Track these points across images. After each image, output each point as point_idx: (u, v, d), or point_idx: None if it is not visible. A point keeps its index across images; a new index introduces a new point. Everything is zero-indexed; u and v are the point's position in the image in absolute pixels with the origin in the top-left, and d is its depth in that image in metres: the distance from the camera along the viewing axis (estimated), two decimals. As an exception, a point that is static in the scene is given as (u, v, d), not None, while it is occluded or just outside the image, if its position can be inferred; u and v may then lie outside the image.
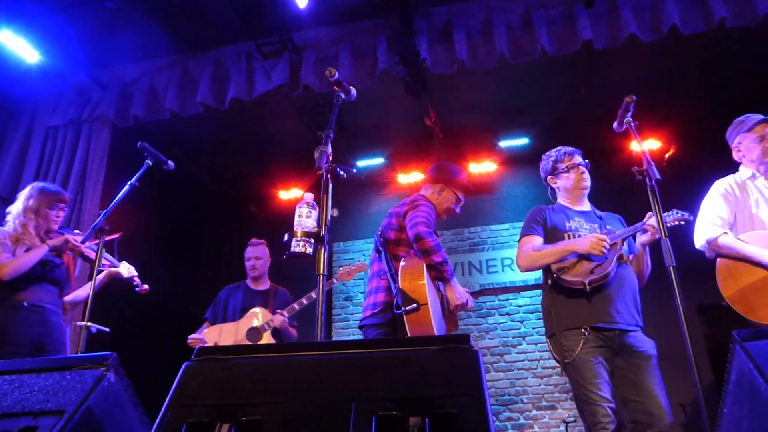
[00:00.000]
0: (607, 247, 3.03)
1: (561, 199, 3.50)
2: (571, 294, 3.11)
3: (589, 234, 3.19)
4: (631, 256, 3.27)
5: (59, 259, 3.60)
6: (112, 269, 3.69)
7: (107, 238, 3.31)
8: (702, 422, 2.03)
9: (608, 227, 3.27)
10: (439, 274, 3.31)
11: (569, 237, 3.23)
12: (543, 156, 3.56)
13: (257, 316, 4.55)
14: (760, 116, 3.25)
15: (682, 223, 3.09)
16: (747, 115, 3.33)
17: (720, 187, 3.29)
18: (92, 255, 3.59)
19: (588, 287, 3.02)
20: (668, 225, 3.03)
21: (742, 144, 3.30)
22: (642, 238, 3.18)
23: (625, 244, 3.23)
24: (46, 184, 3.74)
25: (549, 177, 3.52)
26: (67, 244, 3.50)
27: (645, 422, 2.85)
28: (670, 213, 3.08)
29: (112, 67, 5.55)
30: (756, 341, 1.33)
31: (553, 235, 3.29)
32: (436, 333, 3.06)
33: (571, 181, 3.41)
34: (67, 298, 3.69)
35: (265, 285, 4.85)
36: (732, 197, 3.23)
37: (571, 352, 3.01)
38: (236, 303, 4.69)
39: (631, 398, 2.93)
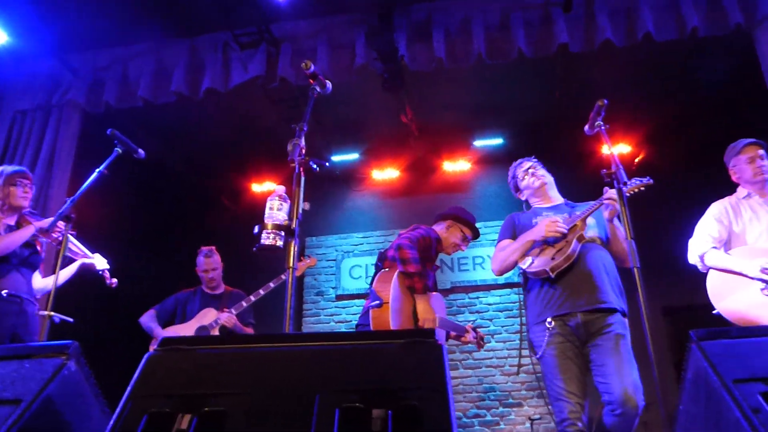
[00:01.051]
0: (561, 227, 3.07)
1: (534, 204, 3.58)
2: (539, 287, 3.17)
3: (544, 220, 3.24)
4: (608, 239, 3.25)
5: (27, 248, 3.51)
6: (86, 260, 3.63)
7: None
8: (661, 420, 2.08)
9: (577, 212, 3.24)
10: (411, 284, 3.47)
11: None
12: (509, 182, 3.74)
13: (207, 314, 4.66)
14: (749, 140, 3.42)
15: (642, 189, 3.05)
16: (739, 140, 3.47)
17: (714, 208, 3.46)
18: (72, 246, 3.54)
19: (552, 273, 3.06)
20: (631, 193, 3.01)
21: (736, 167, 3.48)
22: (605, 214, 3.19)
23: (597, 227, 3.23)
24: (4, 166, 3.63)
25: (518, 193, 3.69)
26: (53, 228, 3.38)
27: (611, 403, 2.80)
28: (630, 182, 2.98)
29: (84, 53, 5.43)
30: (711, 341, 1.36)
31: (521, 234, 3.35)
32: None
33: (529, 183, 3.53)
34: (37, 285, 3.61)
35: (220, 289, 4.95)
36: (726, 218, 3.39)
37: (539, 348, 3.06)
38: (193, 308, 4.77)
39: (599, 381, 2.90)
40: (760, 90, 4.53)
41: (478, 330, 3.94)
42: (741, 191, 3.47)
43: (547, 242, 3.17)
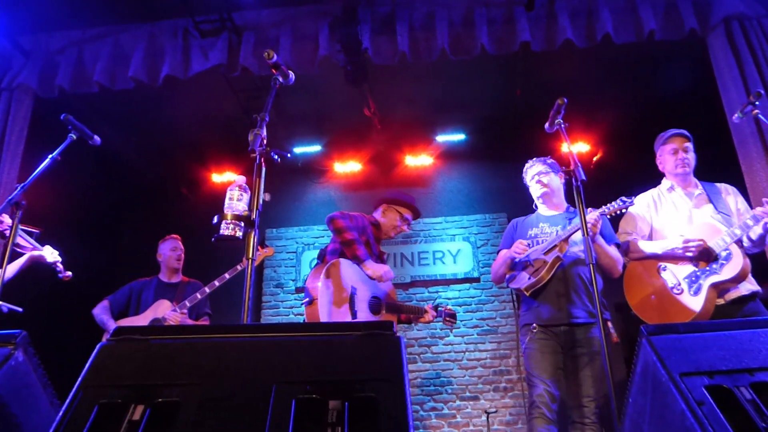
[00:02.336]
0: (521, 247, 3.34)
1: (539, 208, 3.73)
2: (524, 297, 3.41)
3: (536, 240, 3.43)
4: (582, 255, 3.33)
5: None
6: (35, 253, 3.52)
7: (28, 229, 3.16)
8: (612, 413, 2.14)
9: (568, 228, 3.35)
10: (352, 252, 3.55)
11: (528, 245, 3.46)
12: None
13: (161, 306, 4.61)
14: (678, 130, 3.47)
15: (624, 211, 3.23)
16: (669, 129, 3.54)
17: (638, 205, 3.54)
18: (20, 239, 3.42)
19: (527, 293, 3.30)
20: (615, 213, 3.21)
21: (661, 156, 3.55)
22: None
23: (581, 243, 3.22)
24: None
25: (529, 185, 3.79)
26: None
27: (573, 409, 3.09)
28: (614, 203, 3.21)
29: (37, 35, 5.24)
30: (661, 335, 1.41)
31: None
32: None
33: (533, 191, 3.71)
34: None
35: (177, 278, 4.90)
36: (647, 211, 3.49)
37: (522, 345, 3.35)
38: (148, 296, 4.71)
39: (571, 390, 3.14)
40: (714, 93, 4.67)
41: (446, 306, 4.05)
42: (665, 183, 3.55)
43: (528, 260, 3.37)
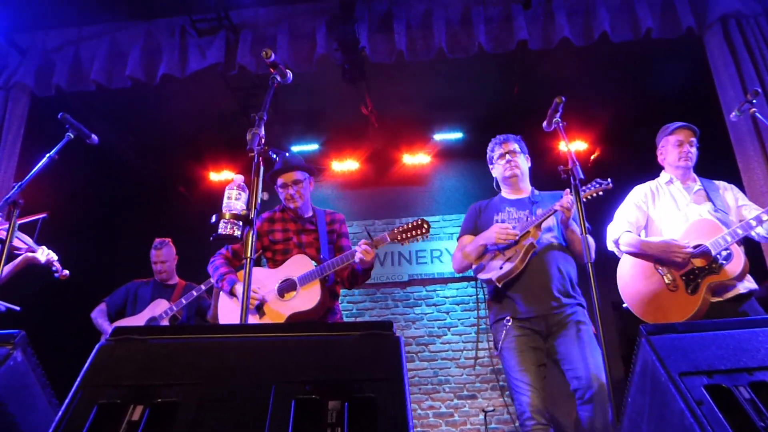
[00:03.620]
0: (512, 234, 3.08)
1: (501, 190, 3.56)
2: (494, 289, 3.22)
3: (496, 225, 3.22)
4: (562, 241, 3.23)
5: None
6: (29, 254, 3.50)
7: (33, 218, 3.15)
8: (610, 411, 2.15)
9: (537, 212, 3.23)
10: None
11: None
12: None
13: (158, 305, 4.60)
14: (684, 123, 3.44)
15: (600, 193, 3.12)
16: (675, 122, 3.51)
17: (635, 194, 3.49)
18: (16, 241, 3.41)
19: (498, 283, 3.10)
20: (590, 196, 3.09)
21: (664, 147, 3.50)
22: (560, 219, 3.17)
23: (555, 229, 3.22)
24: None
25: (489, 166, 3.60)
26: None
27: (579, 389, 2.85)
28: (590, 185, 3.09)
29: (33, 33, 5.23)
30: (660, 335, 1.41)
31: (481, 230, 3.34)
32: None
33: (500, 170, 3.49)
34: None
35: (173, 281, 4.89)
36: (645, 204, 3.42)
37: (498, 342, 3.11)
38: (145, 296, 4.72)
39: (566, 368, 2.95)
40: (711, 91, 4.68)
41: (370, 238, 3.26)
42: (664, 176, 3.50)
43: (498, 248, 3.19)
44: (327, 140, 7.39)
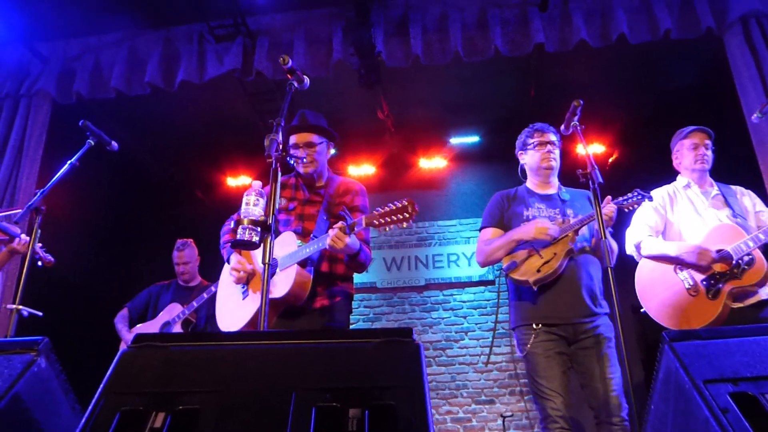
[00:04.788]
0: (553, 232, 2.97)
1: (528, 181, 3.43)
2: (523, 291, 3.12)
3: (535, 220, 3.09)
4: (593, 241, 3.14)
5: None
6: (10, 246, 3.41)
7: (7, 211, 3.15)
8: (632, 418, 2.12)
9: (568, 212, 3.15)
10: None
11: None
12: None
13: (172, 310, 4.61)
14: (698, 126, 3.40)
15: (636, 206, 3.03)
16: (689, 126, 3.47)
17: (654, 197, 3.41)
18: None
19: (535, 286, 3.00)
20: (629, 208, 2.99)
21: (679, 151, 3.46)
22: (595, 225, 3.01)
23: (588, 234, 3.13)
24: None
25: (518, 152, 3.46)
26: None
27: (598, 408, 2.84)
28: (631, 195, 2.97)
29: (55, 41, 5.31)
30: (683, 341, 1.39)
31: (509, 227, 3.22)
32: (221, 326, 3.03)
33: (536, 159, 3.31)
34: None
35: (195, 282, 4.91)
36: (663, 208, 3.37)
37: (524, 347, 3.04)
38: (165, 300, 4.74)
39: (585, 383, 2.93)
40: (731, 92, 4.62)
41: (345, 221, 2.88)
42: (681, 180, 3.46)
43: (533, 246, 3.06)
44: (343, 145, 7.41)
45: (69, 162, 3.13)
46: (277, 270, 2.82)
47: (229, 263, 3.08)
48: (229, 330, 2.96)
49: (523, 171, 3.48)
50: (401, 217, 2.56)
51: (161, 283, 4.90)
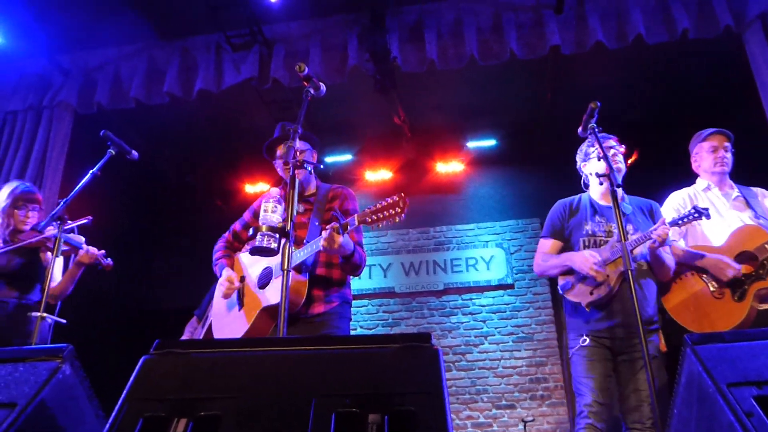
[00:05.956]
0: (597, 268, 2.94)
1: (591, 190, 3.36)
2: (577, 307, 3.12)
3: (587, 252, 3.05)
4: (644, 263, 3.11)
5: (19, 256, 3.45)
6: (80, 258, 3.45)
7: (75, 223, 3.21)
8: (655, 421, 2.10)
9: (628, 228, 3.05)
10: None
11: (584, 243, 3.15)
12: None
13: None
14: (717, 129, 3.37)
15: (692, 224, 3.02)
16: (707, 128, 3.43)
17: (673, 200, 3.40)
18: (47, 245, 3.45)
19: (587, 308, 3.03)
20: (688, 226, 2.99)
21: (698, 154, 3.43)
22: (647, 245, 2.97)
23: (644, 247, 3.03)
24: (17, 185, 3.61)
25: (582, 164, 3.38)
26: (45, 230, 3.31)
27: (626, 414, 2.90)
28: (688, 213, 2.93)
29: (76, 53, 5.41)
30: (706, 345, 1.37)
31: (569, 240, 3.23)
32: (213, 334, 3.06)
33: (600, 167, 3.12)
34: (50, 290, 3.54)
35: None
36: (685, 209, 3.31)
37: (570, 350, 3.09)
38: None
39: (620, 391, 2.97)
40: (750, 91, 4.56)
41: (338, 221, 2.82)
42: (701, 182, 3.41)
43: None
44: (360, 150, 7.44)
45: (91, 172, 3.18)
46: (272, 277, 2.84)
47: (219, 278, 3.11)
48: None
49: (588, 180, 3.38)
50: (393, 212, 2.53)
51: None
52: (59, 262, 3.53)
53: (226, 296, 3.01)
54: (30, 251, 3.46)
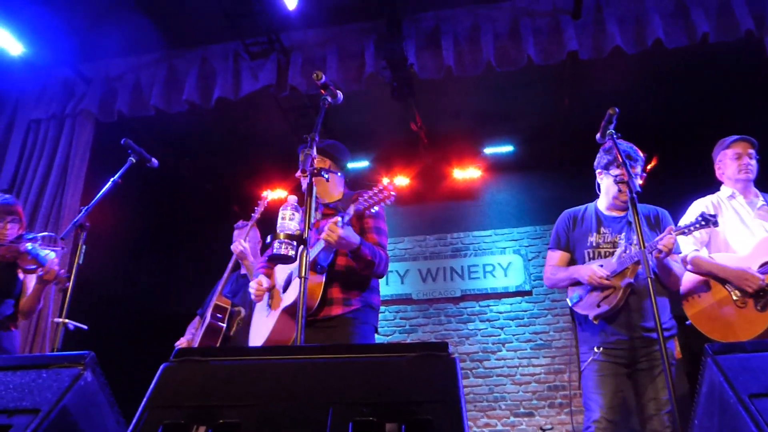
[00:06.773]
0: (603, 282, 2.94)
1: (598, 200, 3.33)
2: (585, 320, 3.11)
3: (593, 264, 3.06)
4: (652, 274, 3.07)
5: None
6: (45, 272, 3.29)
7: (39, 234, 3.20)
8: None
9: (633, 238, 2.98)
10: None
11: (589, 255, 3.14)
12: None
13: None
14: (741, 136, 3.31)
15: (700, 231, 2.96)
16: (732, 135, 3.37)
17: (696, 207, 3.33)
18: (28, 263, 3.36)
19: (595, 321, 3.01)
20: (694, 231, 2.91)
21: (722, 161, 3.37)
22: (653, 255, 2.91)
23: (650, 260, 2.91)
24: None
25: (598, 170, 3.32)
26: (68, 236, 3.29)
27: (643, 424, 2.87)
28: (695, 221, 2.84)
29: (97, 62, 5.50)
30: (727, 354, 1.35)
31: (574, 252, 3.24)
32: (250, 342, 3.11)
33: (608, 184, 3.20)
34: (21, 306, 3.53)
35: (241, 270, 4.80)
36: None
37: (582, 363, 3.08)
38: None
39: (637, 401, 2.94)
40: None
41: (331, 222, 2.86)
42: (725, 190, 3.35)
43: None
44: (377, 157, 7.45)
45: (112, 179, 3.21)
46: (291, 281, 2.93)
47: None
48: (254, 345, 3.04)
49: (602, 191, 3.35)
50: (383, 195, 2.66)
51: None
52: (32, 277, 3.49)
53: (257, 299, 3.06)
54: (6, 265, 3.41)
